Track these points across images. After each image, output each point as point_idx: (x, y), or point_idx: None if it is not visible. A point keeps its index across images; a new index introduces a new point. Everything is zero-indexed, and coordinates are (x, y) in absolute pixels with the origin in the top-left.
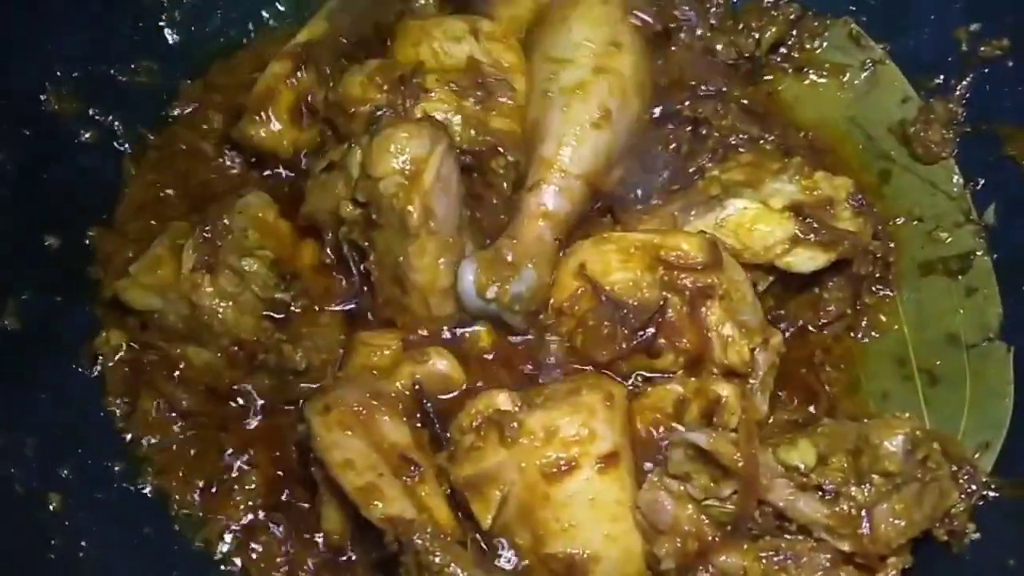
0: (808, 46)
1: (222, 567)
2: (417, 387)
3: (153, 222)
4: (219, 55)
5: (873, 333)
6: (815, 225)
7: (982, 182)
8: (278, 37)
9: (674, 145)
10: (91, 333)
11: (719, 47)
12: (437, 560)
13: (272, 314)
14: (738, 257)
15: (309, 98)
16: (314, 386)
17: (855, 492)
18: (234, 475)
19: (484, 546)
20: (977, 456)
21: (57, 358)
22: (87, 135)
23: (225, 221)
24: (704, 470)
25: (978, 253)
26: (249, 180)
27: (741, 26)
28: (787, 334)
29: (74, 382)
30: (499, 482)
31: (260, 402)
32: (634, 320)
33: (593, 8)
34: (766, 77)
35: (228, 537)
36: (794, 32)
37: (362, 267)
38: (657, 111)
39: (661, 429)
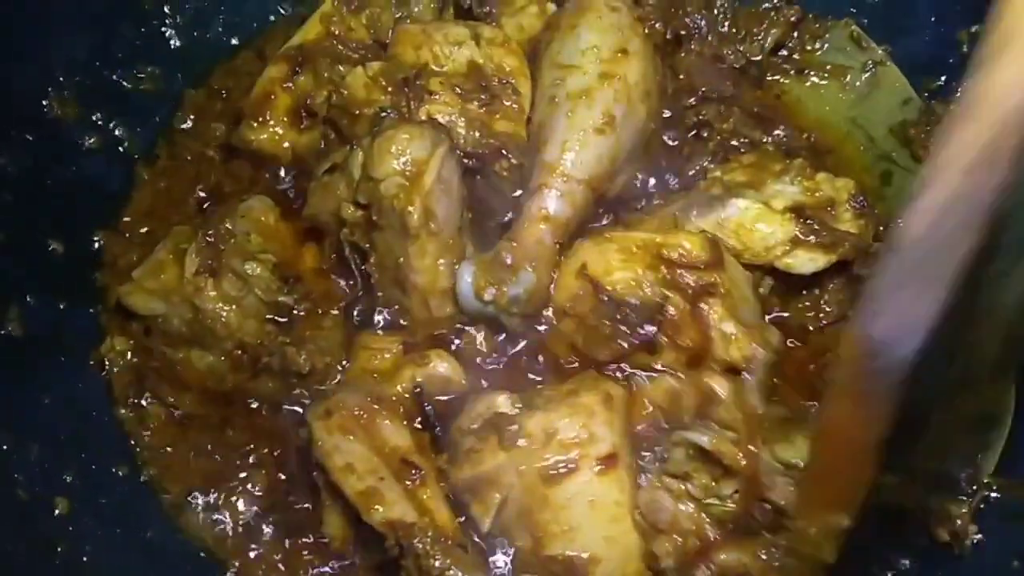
0: (809, 48)
1: (227, 571)
2: (418, 390)
3: (159, 228)
4: (222, 59)
5: None
6: (816, 227)
7: None
8: (281, 37)
9: (676, 144)
10: (95, 339)
11: (728, 53)
12: (437, 564)
13: (275, 317)
14: (739, 257)
15: (308, 101)
16: (320, 388)
17: None
18: (237, 478)
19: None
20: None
21: (61, 363)
22: (90, 140)
23: (228, 225)
24: (704, 469)
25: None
26: (256, 184)
27: (743, 32)
28: (788, 337)
29: (78, 387)
30: (498, 485)
31: (263, 405)
32: (635, 319)
33: (603, 16)
34: (770, 77)
35: (231, 541)
36: (795, 34)
37: (363, 269)
38: (665, 113)
39: (660, 425)
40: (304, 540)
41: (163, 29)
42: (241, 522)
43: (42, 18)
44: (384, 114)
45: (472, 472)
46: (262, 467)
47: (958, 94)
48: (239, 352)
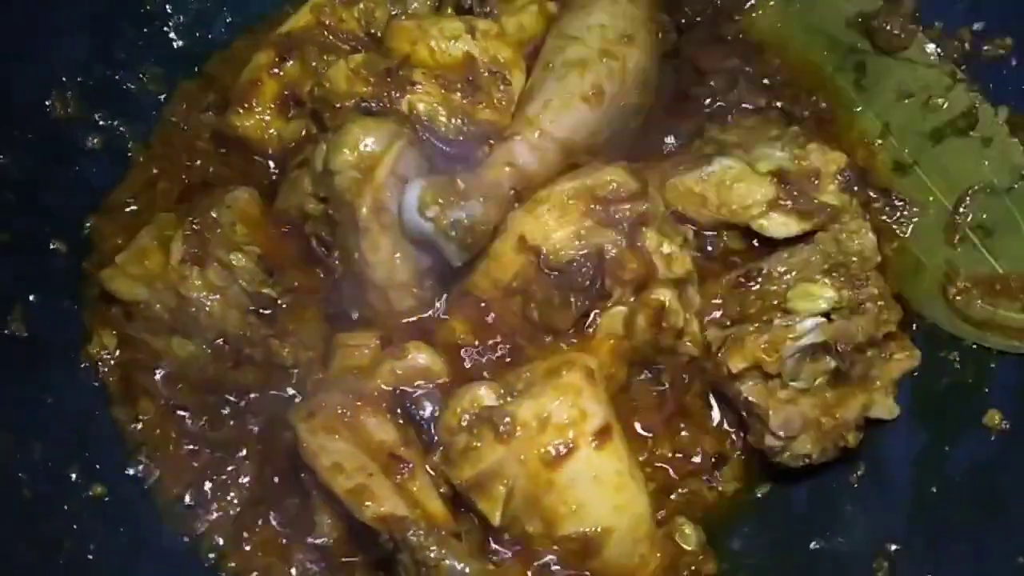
0: None
1: (225, 568)
2: (398, 392)
3: (146, 209)
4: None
5: (912, 214)
6: (795, 193)
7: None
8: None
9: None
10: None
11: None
12: (433, 554)
13: (259, 309)
14: (715, 212)
15: (294, 90)
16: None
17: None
18: (230, 474)
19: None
20: None
21: (63, 362)
22: (92, 140)
23: (213, 214)
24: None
25: (978, 105)
26: (244, 175)
27: None
28: None
29: (80, 386)
30: (502, 477)
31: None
32: (581, 280)
33: (618, 1)
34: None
35: (227, 537)
36: None
37: (328, 263)
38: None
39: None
40: (299, 535)
41: (165, 29)
42: (235, 518)
43: (44, 19)
44: (364, 105)
45: (473, 470)
46: (253, 464)
47: None
48: (221, 342)
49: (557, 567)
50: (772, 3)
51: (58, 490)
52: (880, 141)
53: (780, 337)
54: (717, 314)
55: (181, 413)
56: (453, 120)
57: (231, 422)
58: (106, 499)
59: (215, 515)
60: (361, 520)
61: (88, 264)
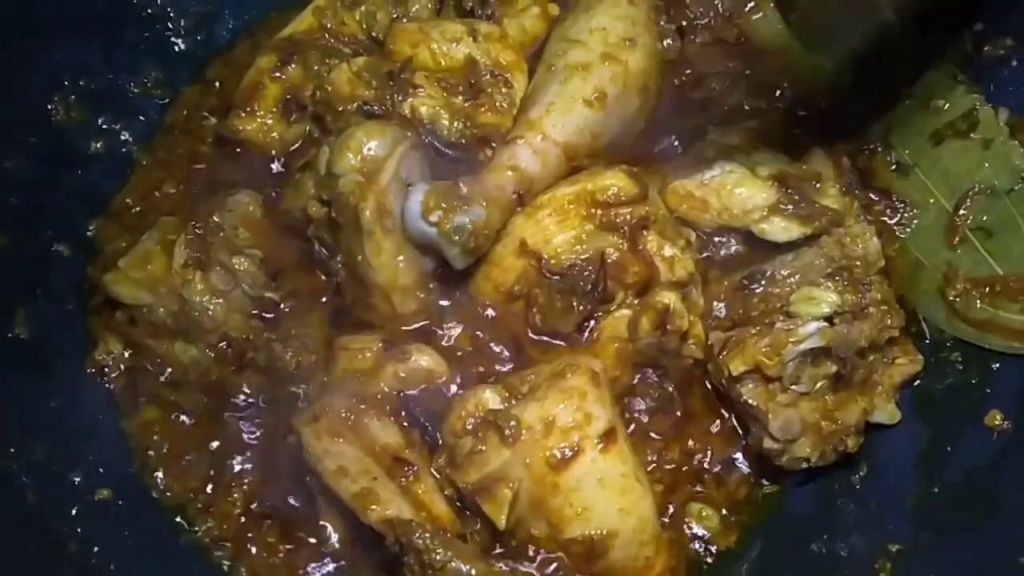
0: None
1: (229, 572)
2: (401, 395)
3: (150, 212)
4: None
5: (912, 216)
6: (796, 197)
7: None
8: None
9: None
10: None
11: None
12: (439, 557)
13: (261, 313)
14: (716, 217)
15: (296, 94)
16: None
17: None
18: (236, 477)
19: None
20: None
21: (67, 366)
22: (96, 144)
23: (215, 219)
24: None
25: (979, 107)
26: (246, 179)
27: None
28: None
29: (83, 389)
30: (507, 480)
31: (258, 403)
32: (583, 284)
33: (620, 4)
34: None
35: (232, 540)
36: None
37: (331, 266)
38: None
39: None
40: (304, 539)
41: (167, 33)
42: (240, 522)
43: (46, 23)
44: (367, 108)
45: (479, 474)
46: (257, 468)
47: None
48: (224, 346)
49: (561, 571)
50: (773, 5)
51: (62, 493)
52: (880, 143)
53: (781, 340)
54: (720, 315)
55: (185, 417)
56: (455, 123)
57: (235, 426)
58: (111, 503)
59: (219, 519)
60: (367, 523)
61: (91, 268)
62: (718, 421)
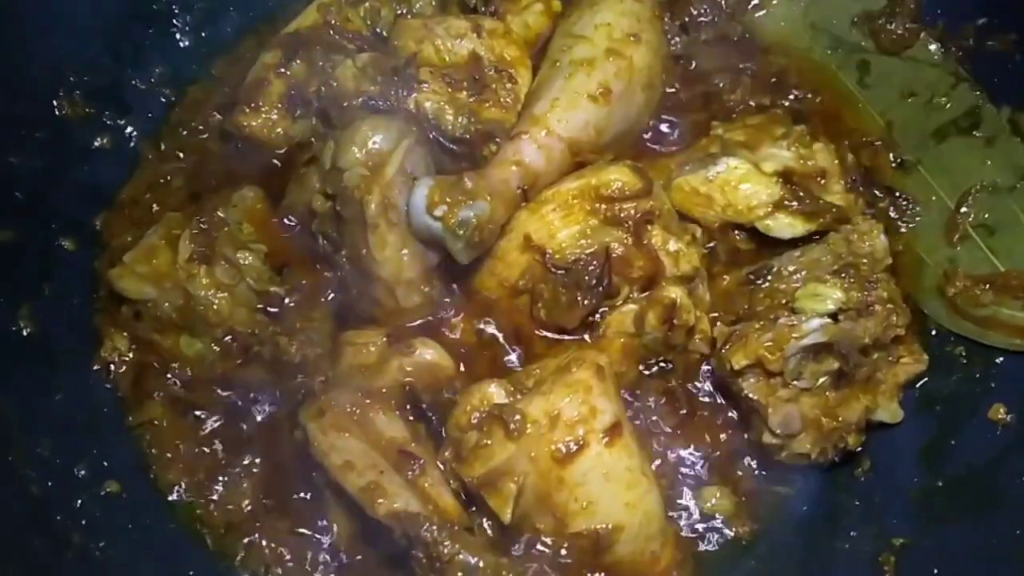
0: None
1: (236, 566)
2: (408, 382)
3: (157, 205)
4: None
5: (915, 213)
6: (801, 193)
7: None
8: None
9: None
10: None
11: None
12: (447, 550)
13: (266, 307)
14: (721, 213)
15: (300, 90)
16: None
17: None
18: (242, 470)
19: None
20: None
21: (73, 360)
22: (101, 140)
23: (220, 214)
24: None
25: (981, 104)
26: (251, 174)
27: None
28: None
29: (88, 383)
30: (512, 474)
31: (264, 397)
32: (588, 279)
33: (624, 0)
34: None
35: (242, 537)
36: None
37: (335, 260)
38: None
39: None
40: (311, 534)
41: (172, 29)
42: (245, 516)
43: (51, 19)
44: (371, 103)
45: (484, 468)
46: (264, 462)
47: None
48: (229, 339)
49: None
50: (777, 2)
51: (67, 487)
52: (883, 140)
53: (784, 335)
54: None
55: (190, 412)
56: (460, 118)
57: (240, 420)
58: (116, 496)
59: (225, 513)
60: (374, 517)
61: (97, 263)
62: (723, 416)
